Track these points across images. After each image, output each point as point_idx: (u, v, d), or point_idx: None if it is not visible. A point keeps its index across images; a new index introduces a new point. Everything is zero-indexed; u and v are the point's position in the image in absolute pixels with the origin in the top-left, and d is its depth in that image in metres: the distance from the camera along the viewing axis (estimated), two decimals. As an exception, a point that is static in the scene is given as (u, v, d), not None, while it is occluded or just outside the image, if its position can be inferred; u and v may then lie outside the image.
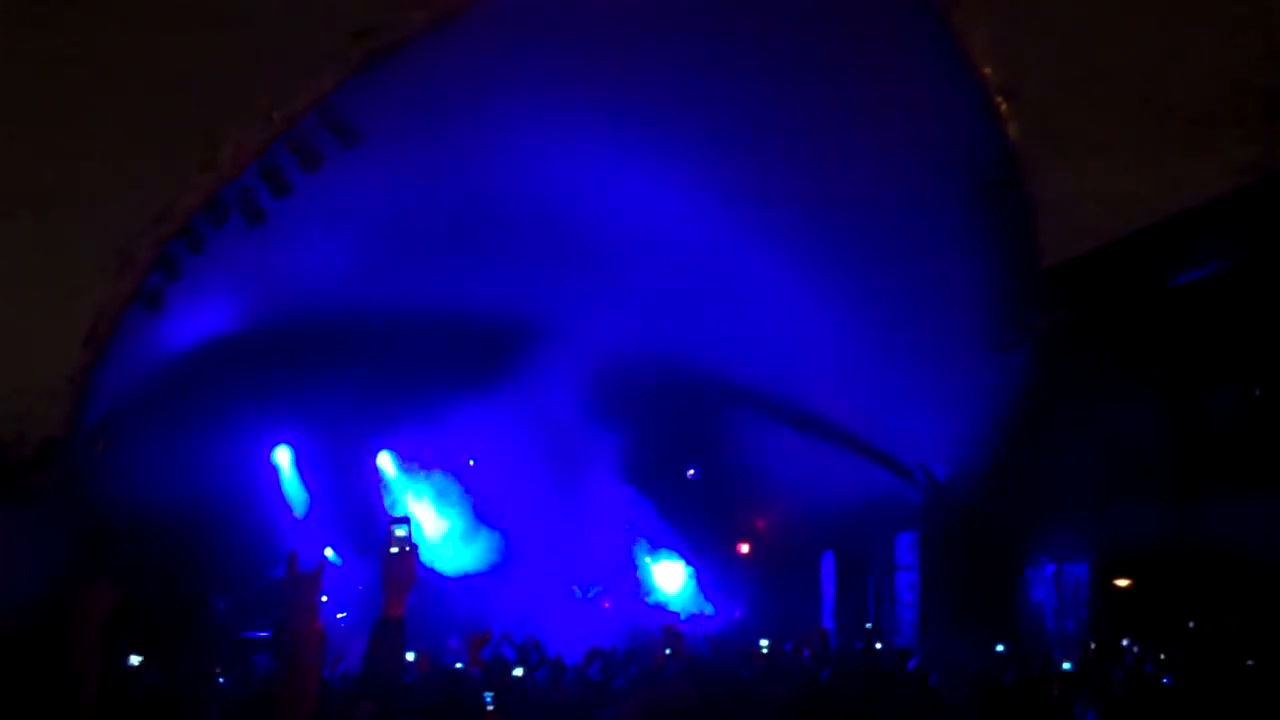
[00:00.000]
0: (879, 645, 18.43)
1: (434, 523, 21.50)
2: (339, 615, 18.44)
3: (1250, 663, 11.94)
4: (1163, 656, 14.65)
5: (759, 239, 16.70)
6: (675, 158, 15.07)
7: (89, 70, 11.35)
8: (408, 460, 21.50)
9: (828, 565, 23.39)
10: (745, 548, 23.15)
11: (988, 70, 14.13)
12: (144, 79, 11.66)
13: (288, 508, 20.48)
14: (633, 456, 21.64)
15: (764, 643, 16.42)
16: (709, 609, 21.94)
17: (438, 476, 21.52)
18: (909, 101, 13.80)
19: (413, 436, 20.89)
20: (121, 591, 4.09)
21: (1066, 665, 13.43)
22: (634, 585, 22.21)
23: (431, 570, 20.80)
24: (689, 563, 22.56)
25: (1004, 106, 13.91)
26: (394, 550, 4.16)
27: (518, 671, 10.18)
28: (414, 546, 4.22)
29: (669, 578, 22.47)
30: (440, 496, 21.60)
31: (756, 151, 14.88)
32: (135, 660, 9.72)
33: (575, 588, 21.40)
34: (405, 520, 4.29)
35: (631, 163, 15.21)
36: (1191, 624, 17.15)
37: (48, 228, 12.18)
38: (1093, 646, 16.25)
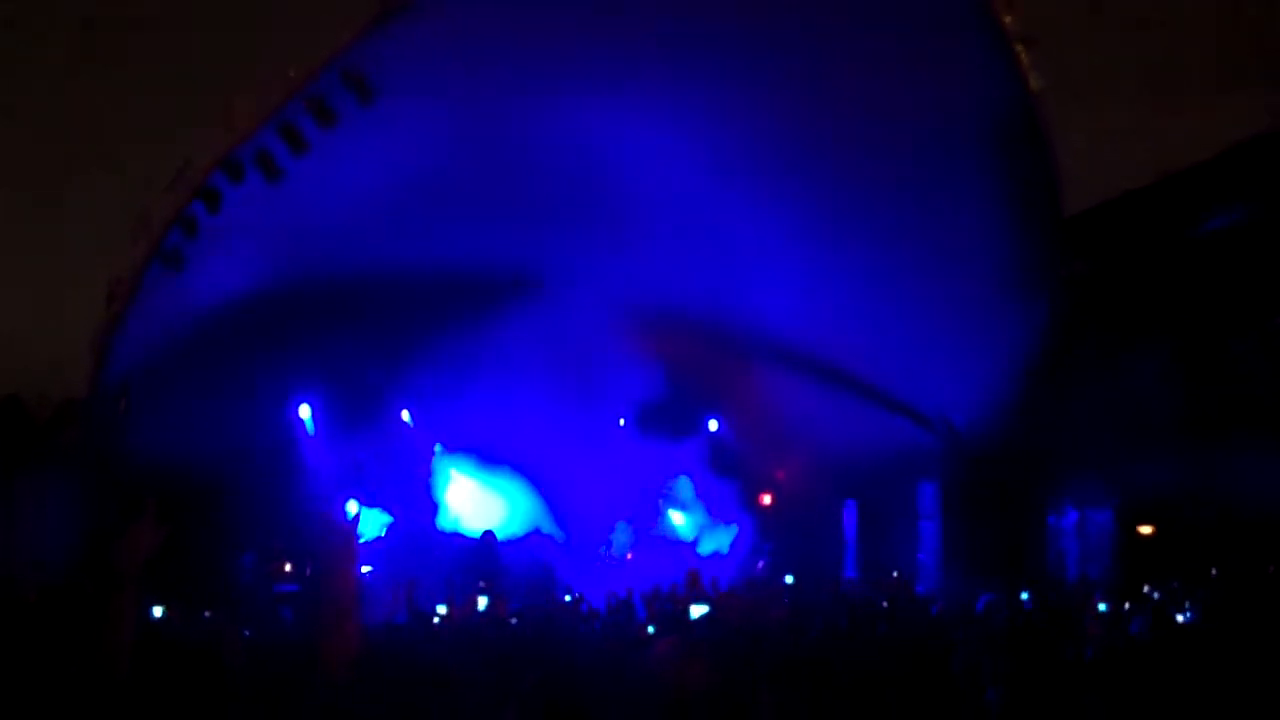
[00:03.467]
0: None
1: (461, 483, 21.71)
2: (364, 569, 18.60)
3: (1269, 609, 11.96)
4: (1187, 604, 14.65)
5: (781, 191, 16.65)
6: (695, 111, 15.01)
7: (105, 33, 11.35)
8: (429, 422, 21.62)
9: (850, 515, 23.44)
10: (768, 499, 23.21)
11: (1008, 19, 14.03)
12: (160, 39, 11.66)
13: (311, 463, 20.58)
14: (655, 409, 21.72)
15: (789, 578, 16.52)
16: (733, 559, 22.04)
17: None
18: (929, 51, 13.71)
19: (434, 393, 20.95)
20: (164, 533, 4.14)
21: (1102, 606, 13.44)
22: (657, 535, 22.32)
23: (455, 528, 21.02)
24: (712, 513, 22.66)
25: (1024, 56, 13.82)
26: (332, 531, 4.14)
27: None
28: (353, 523, 4.21)
29: (691, 528, 22.59)
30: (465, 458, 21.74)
31: (777, 103, 14.82)
32: (158, 612, 9.82)
33: (602, 548, 21.52)
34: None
35: (652, 116, 15.17)
36: (1214, 570, 17.15)
37: (66, 190, 12.21)
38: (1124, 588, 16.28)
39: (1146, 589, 15.92)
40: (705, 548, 22.30)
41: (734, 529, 22.60)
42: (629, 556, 21.39)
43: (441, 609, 12.87)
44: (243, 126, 13.49)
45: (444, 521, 21.34)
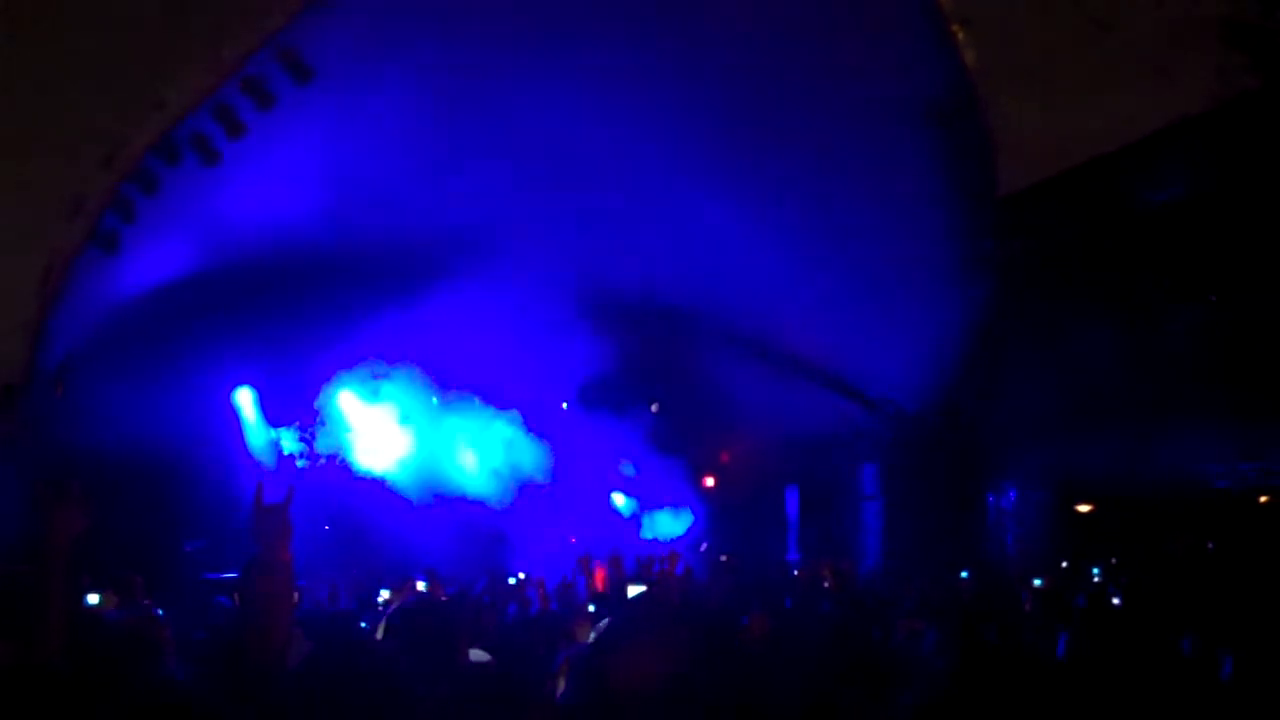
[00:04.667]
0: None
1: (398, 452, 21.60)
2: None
3: (1200, 583, 12.16)
4: (1123, 580, 14.85)
5: (721, 173, 16.65)
6: (636, 91, 14.96)
7: (31, 8, 11.14)
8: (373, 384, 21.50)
9: (792, 497, 23.55)
10: (710, 481, 23.27)
11: (945, -2, 14.06)
12: (91, 17, 11.46)
13: (251, 449, 20.46)
14: (598, 389, 21.72)
15: (723, 557, 16.61)
16: (676, 541, 22.06)
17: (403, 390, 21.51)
18: (863, 31, 13.72)
19: (373, 372, 20.86)
20: (89, 517, 4.10)
21: (1038, 581, 13.62)
22: (601, 517, 22.34)
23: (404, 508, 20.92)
24: (656, 495, 22.70)
25: (960, 34, 13.85)
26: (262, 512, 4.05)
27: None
28: (286, 503, 4.12)
29: (634, 510, 22.62)
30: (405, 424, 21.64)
31: (716, 85, 14.79)
32: (94, 599, 9.72)
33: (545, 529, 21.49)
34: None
35: (593, 93, 15.09)
36: (1149, 547, 17.38)
37: (-4, 172, 12.00)
38: (1064, 566, 16.48)
39: (1085, 567, 16.13)
40: (648, 530, 22.34)
41: (677, 511, 22.65)
42: (573, 540, 21.38)
43: (385, 594, 12.83)
44: (177, 108, 13.31)
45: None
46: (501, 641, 7.33)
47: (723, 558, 16.76)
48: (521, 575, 16.60)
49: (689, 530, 22.48)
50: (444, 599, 10.09)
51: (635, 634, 4.27)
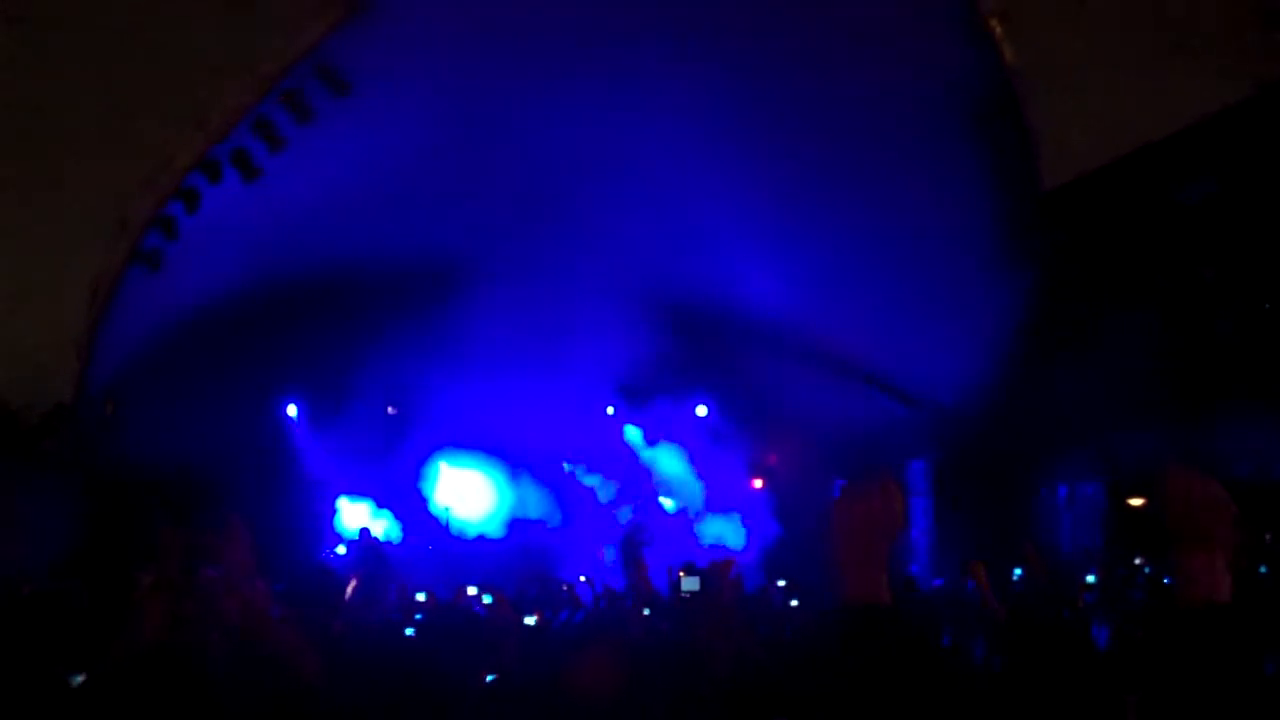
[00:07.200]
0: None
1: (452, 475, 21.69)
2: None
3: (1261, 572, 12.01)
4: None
5: (764, 174, 16.60)
6: (676, 87, 14.95)
7: (75, 32, 11.27)
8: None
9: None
10: (759, 483, 23.16)
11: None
12: (131, 38, 11.59)
13: (300, 463, 20.53)
14: (645, 394, 21.73)
15: (782, 582, 16.46)
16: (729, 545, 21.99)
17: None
18: (903, 27, 13.68)
19: (421, 384, 20.90)
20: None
21: (1091, 578, 13.48)
22: (652, 523, 22.27)
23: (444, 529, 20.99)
24: (705, 499, 22.64)
25: (998, 30, 13.79)
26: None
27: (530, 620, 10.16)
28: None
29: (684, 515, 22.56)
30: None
31: (755, 83, 14.77)
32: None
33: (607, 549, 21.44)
34: None
35: (630, 96, 15.08)
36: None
37: (41, 193, 12.13)
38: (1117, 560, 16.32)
39: (1138, 561, 15.96)
40: (700, 535, 22.26)
41: (727, 514, 22.56)
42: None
43: (420, 596, 12.82)
44: (219, 125, 13.42)
45: (437, 516, 21.33)
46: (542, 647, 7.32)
47: (781, 583, 16.58)
48: (583, 578, 16.57)
49: (734, 531, 22.38)
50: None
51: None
